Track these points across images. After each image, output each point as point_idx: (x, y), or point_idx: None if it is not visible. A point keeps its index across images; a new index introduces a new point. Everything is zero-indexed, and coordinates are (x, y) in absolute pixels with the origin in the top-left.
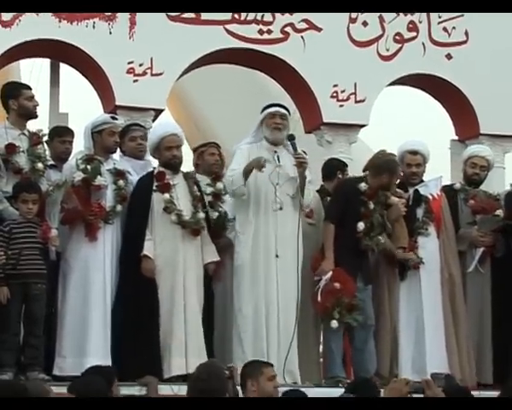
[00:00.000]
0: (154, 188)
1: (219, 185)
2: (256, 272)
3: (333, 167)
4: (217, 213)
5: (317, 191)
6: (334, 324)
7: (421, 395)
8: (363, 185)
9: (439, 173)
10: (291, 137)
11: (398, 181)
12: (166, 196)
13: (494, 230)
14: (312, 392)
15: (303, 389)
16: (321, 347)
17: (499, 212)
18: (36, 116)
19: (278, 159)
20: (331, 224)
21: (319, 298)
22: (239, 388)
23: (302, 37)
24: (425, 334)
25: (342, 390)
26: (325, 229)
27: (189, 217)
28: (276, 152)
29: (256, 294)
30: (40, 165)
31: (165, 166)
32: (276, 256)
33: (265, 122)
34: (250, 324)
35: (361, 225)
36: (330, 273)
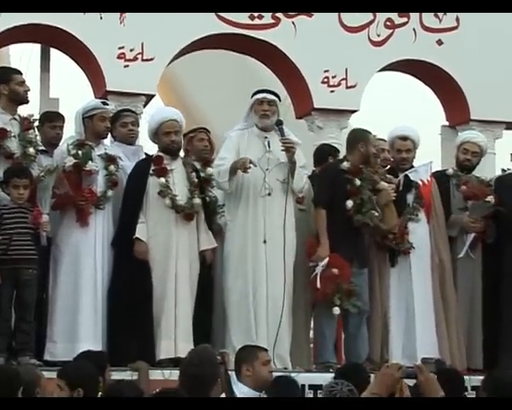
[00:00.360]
0: (151, 172)
1: (209, 171)
2: (244, 258)
3: (324, 153)
4: (207, 199)
5: (309, 177)
6: (337, 310)
7: (414, 380)
8: (345, 164)
9: (430, 159)
10: (279, 123)
11: (388, 166)
12: (162, 180)
13: (485, 216)
14: (302, 377)
15: (293, 375)
16: (311, 332)
17: (490, 198)
18: (27, 101)
19: (269, 144)
20: (322, 209)
21: (318, 284)
22: (232, 373)
23: (293, 22)
24: (415, 319)
25: (332, 375)
26: (317, 215)
27: (184, 202)
28: (266, 138)
29: (244, 280)
30: (32, 150)
31: (163, 152)
32: (264, 242)
33: (254, 108)
34: (237, 309)
35: (349, 203)
36: (327, 259)
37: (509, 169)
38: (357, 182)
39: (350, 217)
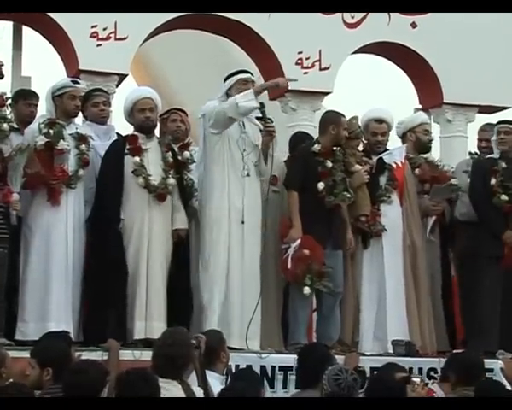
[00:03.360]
0: (126, 151)
1: (186, 154)
2: (219, 238)
3: (299, 140)
4: (184, 180)
5: (285, 161)
6: (307, 290)
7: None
8: (316, 146)
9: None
10: (261, 105)
11: (362, 149)
12: (136, 159)
13: (448, 198)
14: (273, 358)
15: (264, 356)
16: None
17: (455, 181)
18: (2, 76)
19: (243, 125)
20: (294, 191)
21: (289, 265)
22: None
23: None
24: (386, 302)
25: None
26: (289, 197)
27: (158, 182)
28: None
29: (219, 260)
30: (5, 126)
31: (139, 130)
32: (242, 222)
33: (235, 88)
34: (211, 290)
35: (321, 185)
36: (299, 241)
37: (476, 153)
38: (329, 164)
39: (322, 199)
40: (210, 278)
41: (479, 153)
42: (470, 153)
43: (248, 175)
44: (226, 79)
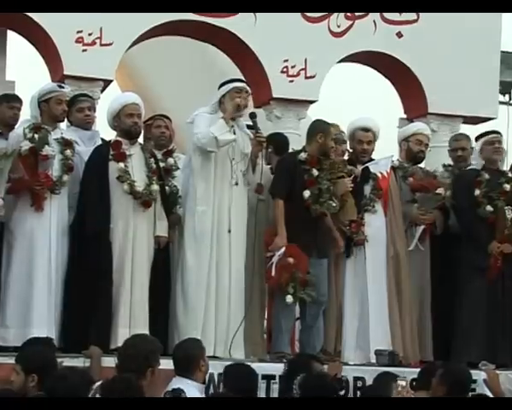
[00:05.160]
0: (110, 157)
1: (170, 160)
2: (207, 245)
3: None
4: (167, 189)
5: (270, 168)
6: (289, 298)
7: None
8: (302, 155)
9: (387, 151)
10: (253, 115)
11: (347, 158)
12: (121, 165)
13: (434, 208)
14: (256, 367)
15: (248, 364)
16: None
17: (440, 190)
18: None
19: (234, 133)
20: (279, 200)
21: (273, 273)
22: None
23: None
24: (369, 311)
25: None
26: (274, 206)
27: (142, 188)
28: (232, 127)
29: (205, 267)
30: None
31: (124, 135)
32: (229, 231)
33: (229, 96)
34: (196, 299)
35: (306, 193)
36: (283, 249)
37: (449, 165)
38: (315, 172)
39: (308, 207)
40: (192, 290)
41: (452, 163)
42: (444, 165)
43: (237, 184)
44: (221, 87)
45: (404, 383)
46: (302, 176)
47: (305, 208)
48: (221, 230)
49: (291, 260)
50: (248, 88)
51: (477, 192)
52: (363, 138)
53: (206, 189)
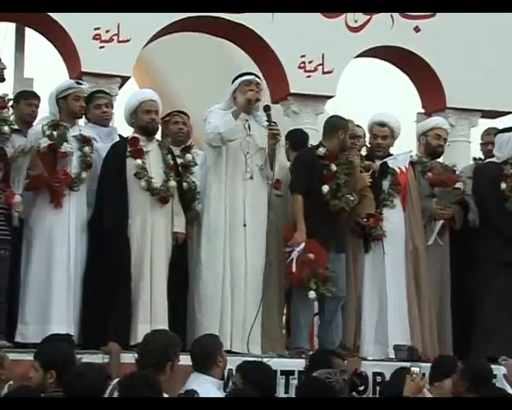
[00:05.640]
0: (127, 153)
1: (188, 157)
2: (221, 241)
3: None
4: (186, 185)
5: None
6: (312, 294)
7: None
8: (321, 150)
9: (405, 146)
10: (267, 108)
11: (366, 153)
12: (138, 161)
13: (454, 202)
14: (274, 362)
15: (265, 360)
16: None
17: (459, 184)
18: (3, 79)
19: (249, 128)
20: (299, 195)
21: (294, 269)
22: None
23: None
24: (388, 306)
25: (303, 361)
26: (293, 201)
27: (160, 184)
28: (247, 121)
29: (222, 263)
30: (6, 128)
31: (141, 132)
32: (244, 225)
33: (240, 90)
34: (213, 293)
35: (325, 188)
36: (303, 244)
37: (480, 159)
38: (334, 167)
39: (326, 202)
40: (211, 283)
41: (483, 157)
42: (474, 158)
43: (251, 178)
44: (233, 82)
45: (417, 369)
46: (321, 171)
47: (323, 203)
48: (236, 224)
49: (311, 255)
50: (259, 80)
51: (503, 186)
52: (379, 133)
53: (218, 184)
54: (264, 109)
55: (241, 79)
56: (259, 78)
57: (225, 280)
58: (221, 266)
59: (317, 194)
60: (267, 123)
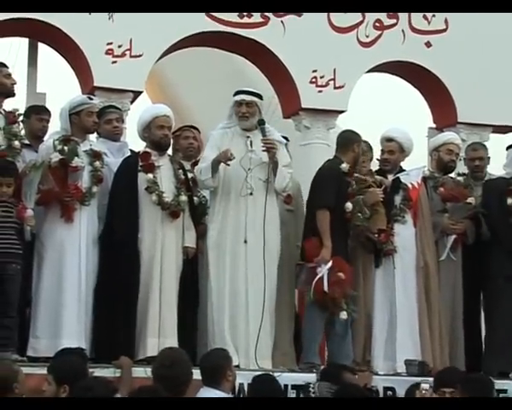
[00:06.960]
0: (139, 168)
1: None
2: (223, 258)
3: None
4: (196, 199)
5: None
6: (344, 315)
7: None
8: (344, 166)
9: (416, 160)
10: (261, 122)
11: (378, 168)
12: (150, 176)
13: (465, 217)
14: (285, 377)
15: (276, 374)
16: None
17: (471, 199)
18: (13, 94)
19: (251, 144)
20: (326, 210)
21: (326, 288)
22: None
23: (282, 21)
24: (397, 321)
25: (315, 375)
26: (321, 216)
27: (171, 199)
28: (248, 137)
29: (223, 279)
30: (16, 143)
31: (153, 147)
32: (245, 242)
33: (233, 110)
34: (217, 309)
35: (349, 206)
36: (331, 262)
37: (463, 174)
38: (354, 184)
39: (348, 220)
40: (215, 299)
41: (466, 172)
42: (458, 173)
43: (251, 194)
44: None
45: (427, 386)
46: (346, 188)
47: (341, 220)
48: (236, 241)
49: (341, 274)
50: (250, 98)
51: (510, 201)
52: (385, 148)
53: (217, 203)
54: (258, 123)
55: (233, 99)
56: (256, 94)
57: (230, 296)
58: (225, 283)
59: (339, 210)
60: (261, 137)
